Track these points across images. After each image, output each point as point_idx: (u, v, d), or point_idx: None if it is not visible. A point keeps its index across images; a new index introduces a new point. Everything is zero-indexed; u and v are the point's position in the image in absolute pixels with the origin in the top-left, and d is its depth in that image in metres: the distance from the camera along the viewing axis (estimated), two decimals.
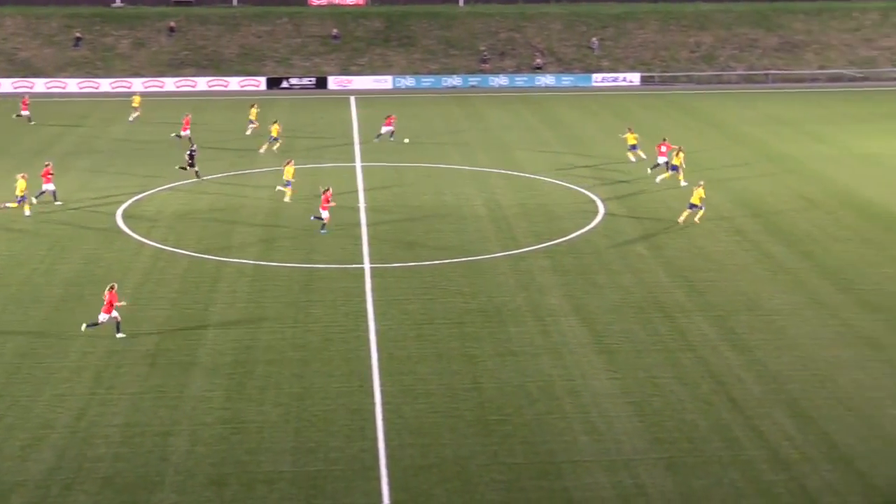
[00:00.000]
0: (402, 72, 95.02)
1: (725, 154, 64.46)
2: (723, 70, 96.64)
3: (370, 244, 46.18)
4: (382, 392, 31.69)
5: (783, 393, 31.75)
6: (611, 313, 38.09)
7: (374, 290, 40.44)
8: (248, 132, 69.23)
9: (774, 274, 42.41)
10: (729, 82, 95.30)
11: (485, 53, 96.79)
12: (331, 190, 48.51)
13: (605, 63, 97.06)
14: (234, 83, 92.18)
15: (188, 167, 57.47)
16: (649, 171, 58.18)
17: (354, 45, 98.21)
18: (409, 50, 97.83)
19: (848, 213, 50.78)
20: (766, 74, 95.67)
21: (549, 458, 27.94)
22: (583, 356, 34.34)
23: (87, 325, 35.84)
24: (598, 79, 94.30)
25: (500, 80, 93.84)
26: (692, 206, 48.63)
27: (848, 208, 51.66)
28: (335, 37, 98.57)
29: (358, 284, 40.88)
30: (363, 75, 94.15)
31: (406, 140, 67.27)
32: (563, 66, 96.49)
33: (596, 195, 54.29)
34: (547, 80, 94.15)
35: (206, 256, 44.38)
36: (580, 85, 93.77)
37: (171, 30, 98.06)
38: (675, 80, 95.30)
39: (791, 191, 55.23)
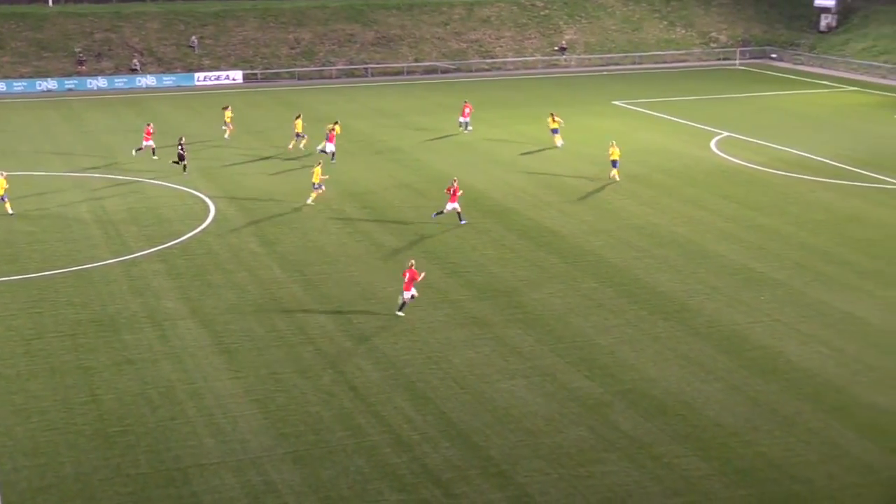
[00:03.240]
0: None
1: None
2: (324, 65, 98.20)
3: None
4: None
5: (401, 377, 32.82)
6: (229, 313, 37.93)
7: None
8: (227, 136, 68.14)
9: (386, 263, 43.67)
10: (330, 77, 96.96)
11: (80, 55, 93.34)
12: (456, 182, 49.61)
13: (206, 62, 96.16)
14: None
15: (179, 161, 58.16)
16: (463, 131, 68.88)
17: None
18: None
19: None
20: (366, 68, 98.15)
21: (176, 465, 27.50)
22: (203, 358, 34.01)
23: (399, 310, 37.38)
24: (200, 78, 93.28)
25: (99, 82, 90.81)
26: (614, 162, 56.58)
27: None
28: None
29: None
30: None
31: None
32: (164, 66, 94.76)
33: (206, 195, 53.78)
34: (148, 80, 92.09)
35: None
36: (183, 84, 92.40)
37: None
38: (277, 76, 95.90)
39: (397, 180, 57.01)
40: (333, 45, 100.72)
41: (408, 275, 37.15)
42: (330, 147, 60.43)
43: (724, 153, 63.95)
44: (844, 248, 45.55)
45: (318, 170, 51.66)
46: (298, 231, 47.85)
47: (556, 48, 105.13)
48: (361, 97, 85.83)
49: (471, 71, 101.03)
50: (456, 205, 48.67)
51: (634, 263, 43.58)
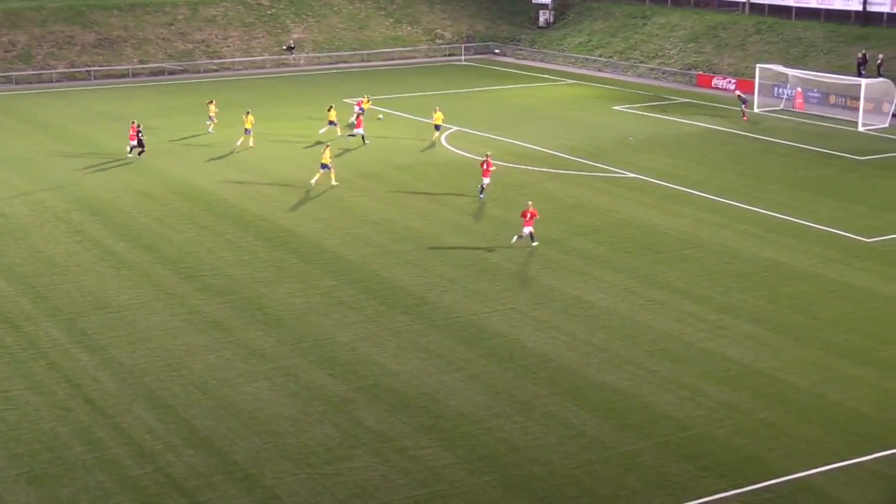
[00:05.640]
0: None
1: (53, 153, 63.13)
2: (42, 69, 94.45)
3: None
4: None
5: (140, 386, 32.05)
6: None
7: None
8: (210, 130, 68.34)
9: (118, 270, 42.50)
10: (50, 81, 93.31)
11: None
12: (490, 157, 53.12)
13: None
14: None
15: (136, 147, 60.69)
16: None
17: None
18: None
19: (183, 203, 52.08)
20: (88, 71, 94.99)
21: None
22: None
23: (517, 238, 44.57)
24: None
25: None
26: (437, 126, 65.37)
27: (183, 198, 52.95)
28: None
29: None
30: None
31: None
32: None
33: None
34: None
35: None
36: None
37: None
38: None
39: (126, 185, 55.47)
40: (52, 47, 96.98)
41: (528, 214, 44.30)
42: (359, 131, 64.79)
43: (455, 147, 65.32)
44: (571, 235, 47.39)
45: (327, 151, 54.60)
46: (23, 242, 45.93)
47: (284, 47, 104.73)
48: (85, 101, 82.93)
49: (198, 72, 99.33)
50: (487, 179, 52.58)
51: (372, 260, 43.99)
